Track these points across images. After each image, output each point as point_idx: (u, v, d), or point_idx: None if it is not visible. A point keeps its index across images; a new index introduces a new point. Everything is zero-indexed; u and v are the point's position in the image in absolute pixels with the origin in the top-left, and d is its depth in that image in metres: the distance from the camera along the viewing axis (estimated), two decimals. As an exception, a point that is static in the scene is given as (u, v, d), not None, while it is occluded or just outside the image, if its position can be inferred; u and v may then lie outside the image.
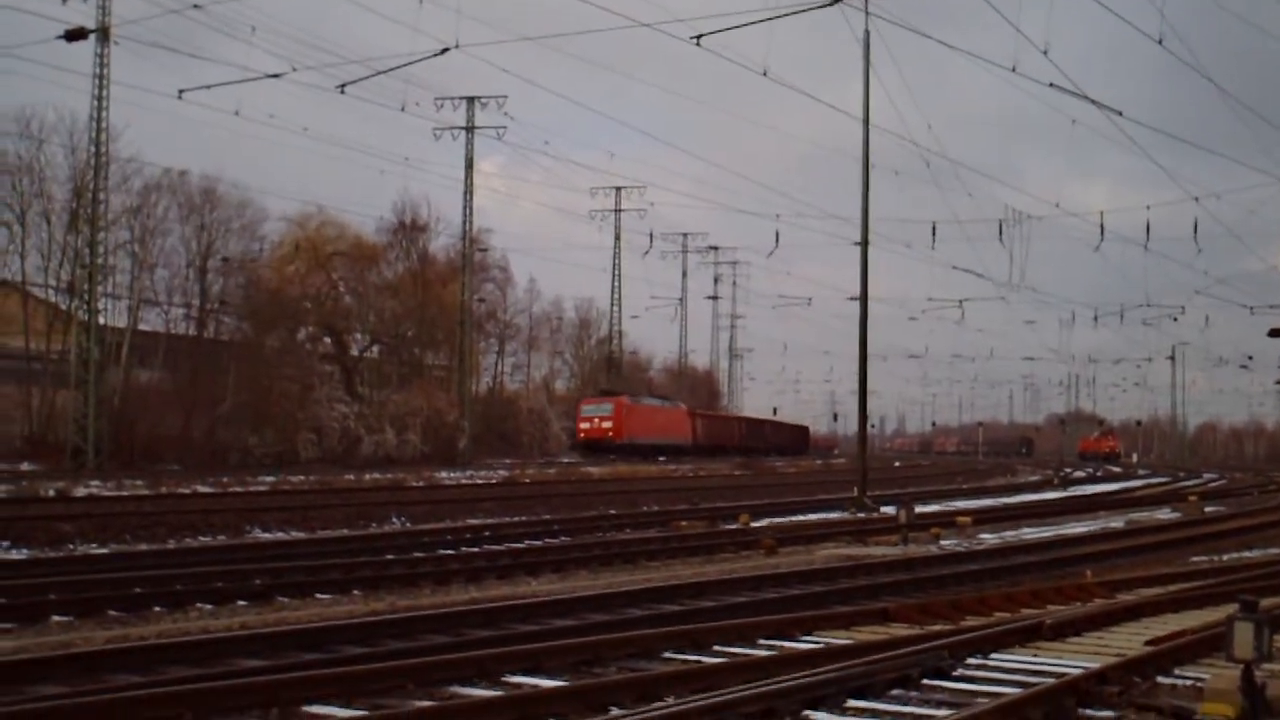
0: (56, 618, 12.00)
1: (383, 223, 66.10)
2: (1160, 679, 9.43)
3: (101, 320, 45.47)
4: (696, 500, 32.66)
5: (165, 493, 29.38)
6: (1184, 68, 29.05)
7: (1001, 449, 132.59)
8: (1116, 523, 28.06)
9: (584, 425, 68.85)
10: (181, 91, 35.06)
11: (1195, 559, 20.26)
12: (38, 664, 9.12)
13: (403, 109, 41.84)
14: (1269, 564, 17.97)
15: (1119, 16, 24.80)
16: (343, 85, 32.71)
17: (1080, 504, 35.23)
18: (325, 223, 62.45)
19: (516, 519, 25.20)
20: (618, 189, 75.90)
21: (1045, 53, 24.66)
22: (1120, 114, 27.76)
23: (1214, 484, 54.01)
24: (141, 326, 53.08)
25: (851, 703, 8.56)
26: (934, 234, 38.52)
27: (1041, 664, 9.96)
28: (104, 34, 41.69)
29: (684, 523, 24.50)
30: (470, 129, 59.83)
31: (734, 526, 24.26)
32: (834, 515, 28.86)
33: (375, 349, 66.39)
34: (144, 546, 18.81)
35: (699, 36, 24.12)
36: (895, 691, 8.94)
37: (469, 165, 61.04)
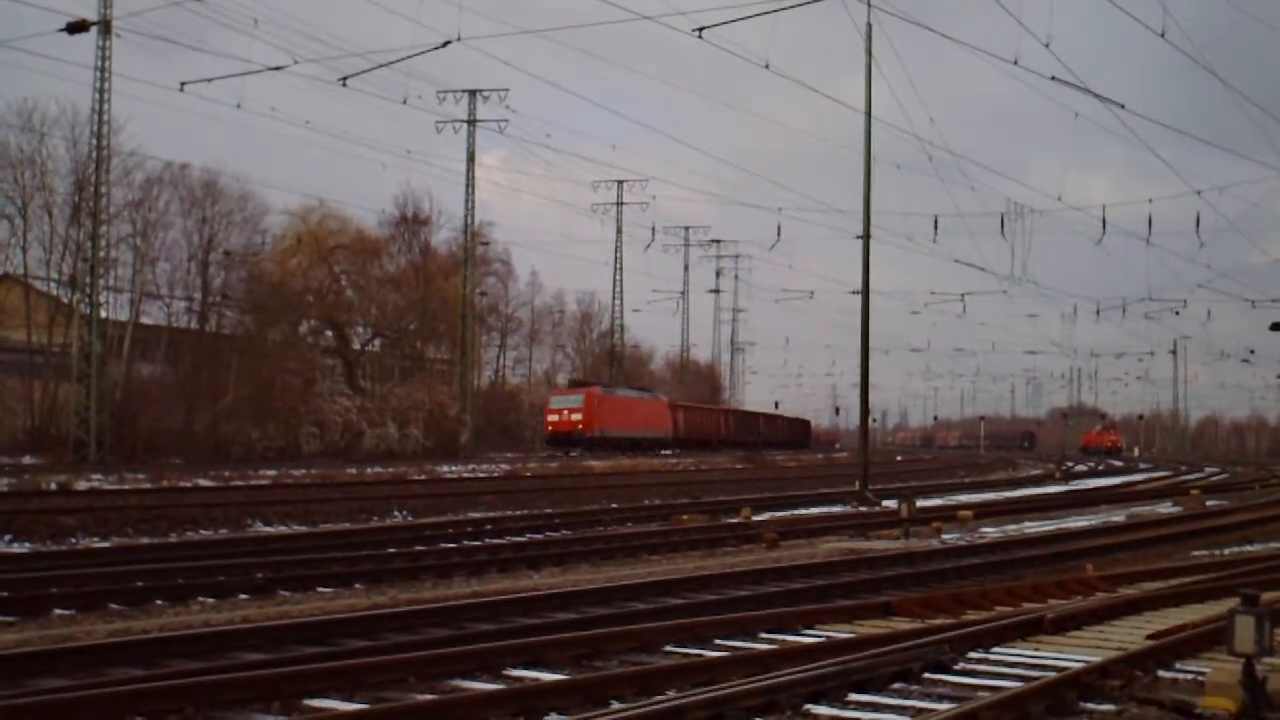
0: (58, 611, 12.02)
1: (384, 216, 66.17)
2: (1161, 673, 9.44)
3: (103, 314, 45.42)
4: (698, 494, 32.66)
5: (167, 486, 29.39)
6: (1186, 61, 29.15)
7: (1003, 443, 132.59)
8: (1118, 517, 28.06)
9: (551, 418, 65.53)
10: (183, 84, 35.07)
11: (1196, 553, 20.27)
12: (39, 657, 9.13)
13: (404, 102, 41.63)
14: (1270, 558, 17.98)
15: (1121, 9, 24.79)
16: (344, 78, 32.75)
17: (1082, 498, 35.25)
18: (327, 216, 62.55)
19: (518, 513, 25.21)
20: (619, 182, 75.89)
21: (1047, 45, 24.66)
22: (1123, 107, 27.77)
23: (1215, 478, 53.99)
24: (143, 320, 53.08)
25: (853, 696, 8.57)
26: (936, 227, 38.50)
27: (1043, 658, 9.97)
28: (106, 27, 41.64)
29: (685, 517, 24.50)
30: (472, 122, 59.84)
31: (736, 520, 24.25)
32: (836, 509, 28.87)
33: (377, 342, 66.42)
34: (146, 540, 18.83)
35: (701, 29, 24.09)
36: (897, 685, 8.95)
37: (470, 158, 61.09)
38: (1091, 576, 15.23)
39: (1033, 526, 24.86)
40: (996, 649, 10.30)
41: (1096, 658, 9.61)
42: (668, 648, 10.39)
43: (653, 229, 71.56)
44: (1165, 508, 31.40)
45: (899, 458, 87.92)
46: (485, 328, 75.14)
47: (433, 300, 65.64)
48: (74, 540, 18.49)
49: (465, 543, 19.09)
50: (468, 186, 61.53)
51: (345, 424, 54.78)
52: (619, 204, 76.85)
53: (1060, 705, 8.24)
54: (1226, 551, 20.53)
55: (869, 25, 30.83)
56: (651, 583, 14.09)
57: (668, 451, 71.04)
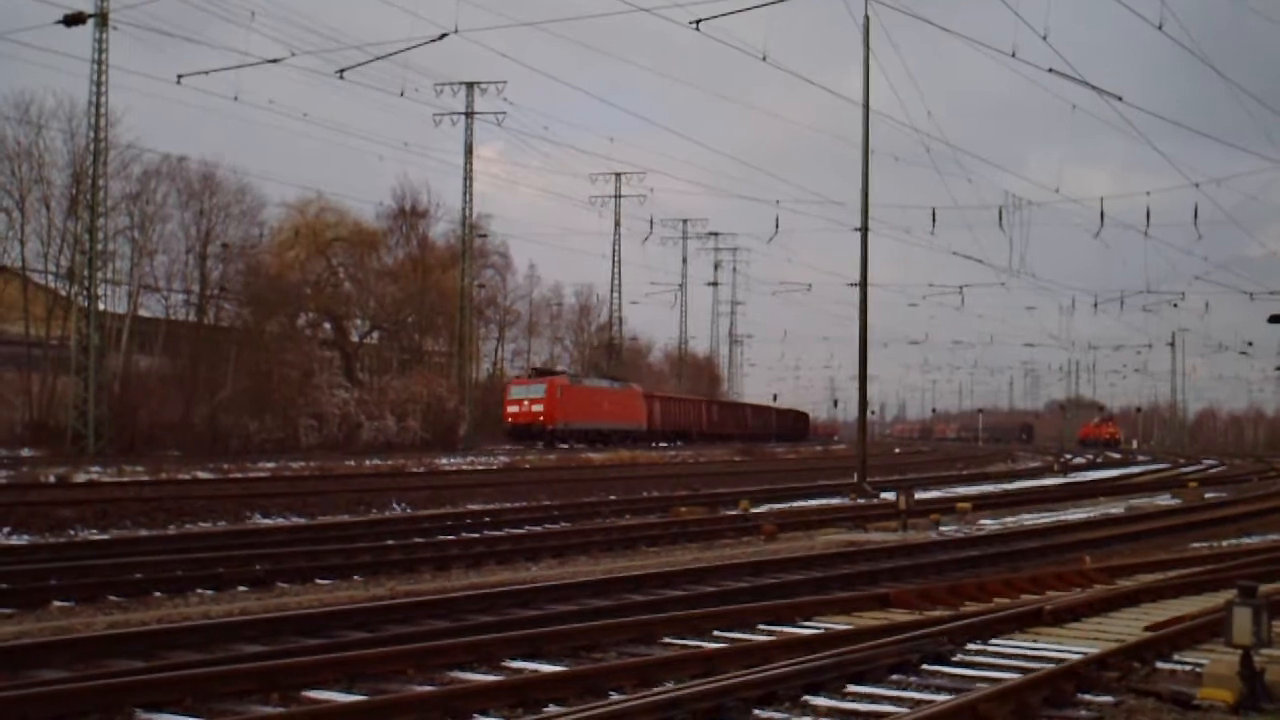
0: (57, 603, 12.03)
1: (382, 208, 66.17)
2: (1159, 664, 9.45)
3: (101, 306, 45.48)
4: (697, 486, 32.69)
5: (165, 479, 29.40)
6: (1184, 53, 29.07)
7: (1002, 435, 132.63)
8: (1116, 509, 28.09)
9: (511, 409, 61.84)
10: (180, 77, 35.07)
11: (1194, 545, 20.28)
12: (38, 649, 9.13)
13: (402, 94, 41.76)
14: (1268, 550, 17.99)
15: (1119, 1, 24.74)
16: (342, 70, 32.75)
17: (1080, 490, 35.26)
18: (325, 208, 62.51)
19: (517, 505, 25.21)
20: (617, 175, 75.94)
21: (1045, 38, 24.65)
22: (1120, 99, 27.73)
23: (1213, 470, 54.05)
24: (141, 312, 53.09)
25: (851, 688, 8.58)
26: (934, 220, 38.49)
27: (1041, 649, 9.97)
28: (102, 19, 41.61)
29: (684, 509, 24.51)
30: (470, 114, 59.82)
31: (734, 512, 24.28)
32: (834, 501, 28.89)
33: (375, 335, 66.40)
34: (144, 532, 18.84)
35: (698, 21, 24.08)
36: (895, 676, 8.96)
37: (468, 151, 61.07)
38: (1089, 568, 15.24)
39: (1031, 518, 24.88)
40: (995, 640, 10.31)
41: (1095, 649, 9.62)
42: (666, 639, 10.40)
43: (651, 221, 71.73)
44: (1163, 500, 31.42)
45: (897, 450, 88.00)
46: (483, 320, 75.12)
47: (431, 293, 65.61)
48: (72, 532, 18.50)
49: (464, 535, 19.10)
50: (465, 179, 61.58)
51: (343, 416, 54.75)
52: (617, 196, 76.97)
53: (1058, 697, 8.24)
54: (1224, 544, 20.54)
55: (866, 18, 30.82)
56: (650, 574, 14.10)
57: (655, 444, 69.17)
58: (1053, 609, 11.38)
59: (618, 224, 78.26)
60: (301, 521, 21.08)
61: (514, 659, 9.37)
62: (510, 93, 57.40)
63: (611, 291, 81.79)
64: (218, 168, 54.96)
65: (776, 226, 51.17)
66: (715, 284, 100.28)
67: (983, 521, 23.87)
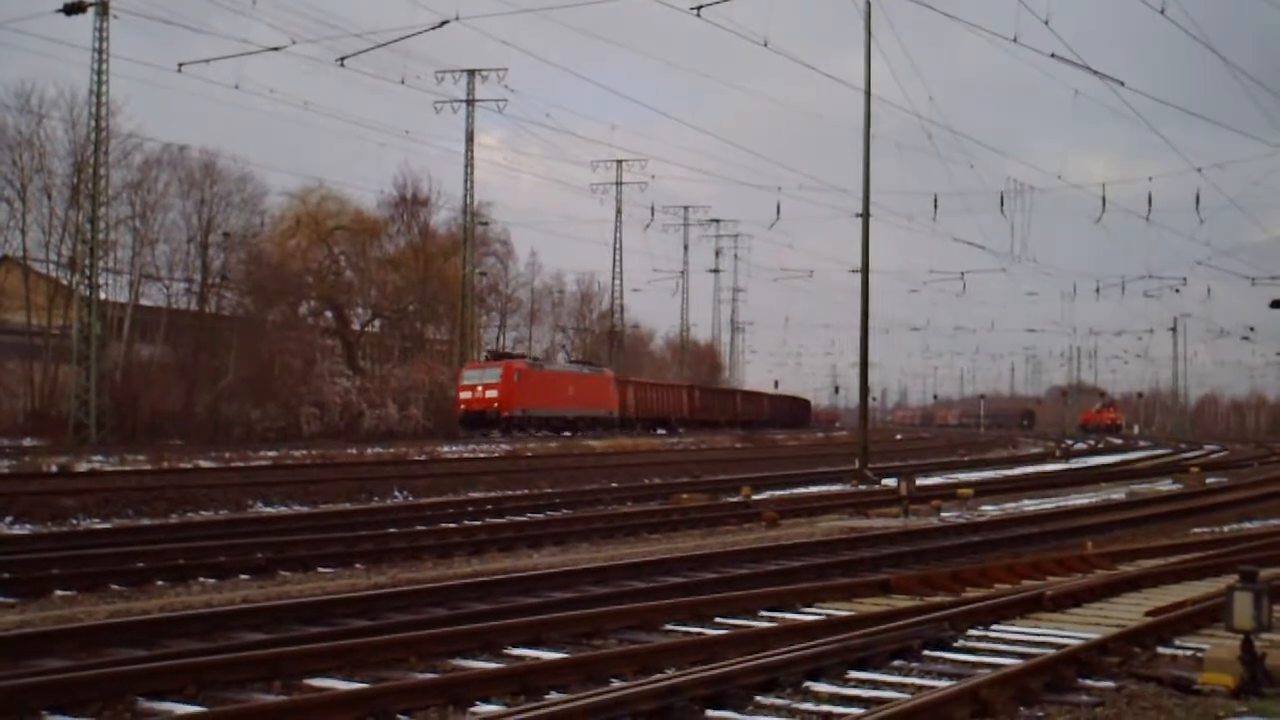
0: (59, 592, 12.05)
1: (384, 197, 66.13)
2: (1160, 649, 9.46)
3: (103, 295, 45.44)
4: (698, 473, 32.71)
5: (167, 467, 29.41)
6: (1187, 38, 28.99)
7: (1003, 421, 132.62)
8: (1117, 494, 28.10)
9: (464, 395, 57.10)
10: (181, 65, 35.04)
11: (1196, 530, 20.29)
12: (41, 638, 9.15)
13: (403, 82, 41.62)
14: (1269, 535, 18.00)
15: (1121, -14, 24.67)
16: (343, 58, 32.79)
17: (1081, 476, 35.28)
18: (326, 197, 62.54)
19: (518, 492, 25.24)
20: (619, 162, 75.84)
21: (1047, 23, 24.61)
22: (1122, 84, 27.73)
23: (1215, 456, 54.05)
24: (143, 302, 53.08)
25: (853, 674, 8.59)
26: (935, 206, 38.48)
27: (1042, 635, 9.98)
28: (103, 8, 41.50)
29: (685, 496, 24.53)
30: (470, 102, 59.74)
31: (735, 499, 24.30)
32: (835, 488, 28.92)
33: (377, 323, 66.39)
34: (146, 521, 18.86)
35: (699, 7, 24.03)
36: (896, 662, 8.97)
37: (469, 138, 61.00)
38: (1091, 554, 15.26)
39: (1032, 504, 24.89)
40: (996, 626, 10.32)
41: (1096, 635, 9.62)
42: (668, 626, 10.41)
43: (652, 209, 71.62)
44: (1164, 485, 31.43)
45: (899, 436, 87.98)
46: (485, 308, 75.10)
47: (432, 281, 65.57)
48: (75, 521, 18.52)
49: (466, 522, 19.10)
50: (467, 166, 61.50)
51: (345, 405, 54.76)
52: (618, 184, 76.87)
53: (1060, 682, 8.25)
54: (1226, 529, 20.56)
55: (868, 3, 30.75)
56: (651, 561, 14.11)
57: (610, 432, 63.21)
58: (1054, 594, 11.39)
59: (619, 211, 78.23)
60: (303, 510, 21.12)
61: (516, 646, 9.38)
62: (511, 80, 57.53)
63: (613, 279, 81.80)
64: (219, 156, 54.98)
65: (778, 213, 51.18)
66: (717, 271, 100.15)
67: (984, 507, 23.88)
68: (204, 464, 30.98)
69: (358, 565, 14.49)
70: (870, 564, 14.74)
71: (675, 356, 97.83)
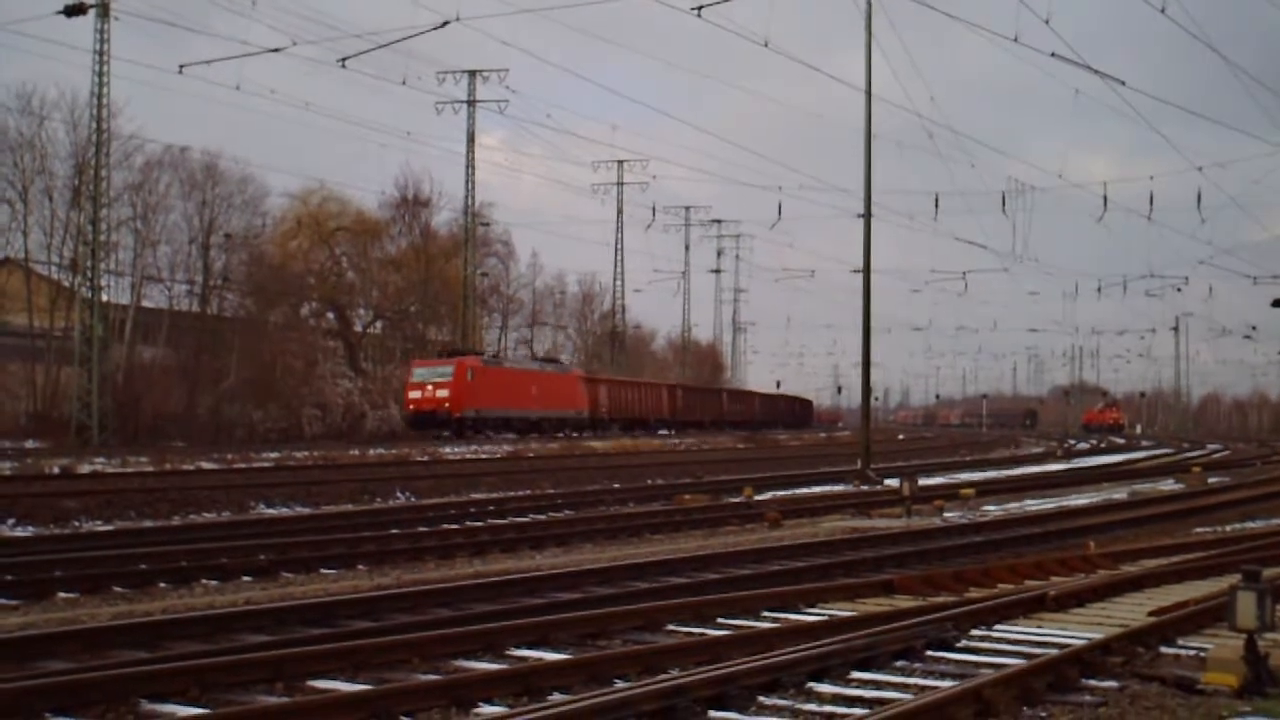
0: (62, 594, 12.05)
1: (385, 198, 66.11)
2: (1163, 649, 9.46)
3: (105, 297, 45.46)
4: (700, 474, 32.70)
5: (169, 469, 29.42)
6: (1188, 37, 28.96)
7: (1005, 421, 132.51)
8: (1120, 494, 28.08)
9: (413, 394, 53.50)
10: (182, 67, 35.03)
11: (1198, 530, 20.28)
12: (44, 640, 9.15)
13: (404, 83, 41.66)
14: (1272, 534, 17.99)
15: (1122, -15, 24.66)
16: (344, 59, 32.74)
17: (1083, 476, 35.26)
18: (327, 198, 62.52)
19: (521, 493, 25.25)
20: (620, 162, 75.90)
21: (1047, 22, 24.58)
22: (1123, 84, 27.70)
23: (1217, 455, 54.02)
24: (145, 303, 53.06)
25: (856, 674, 8.59)
26: (937, 206, 38.45)
27: (1045, 635, 9.98)
28: (104, 9, 41.54)
29: (688, 496, 24.53)
30: (472, 103, 59.77)
31: (738, 500, 24.29)
32: (838, 488, 28.91)
33: (378, 324, 66.38)
34: (149, 523, 18.86)
35: (700, 8, 24.03)
36: (899, 663, 8.97)
37: (471, 139, 61.02)
38: (1093, 554, 15.25)
39: (1034, 504, 24.88)
40: (999, 626, 10.32)
41: (1099, 634, 9.62)
42: (671, 627, 10.41)
43: (653, 209, 71.55)
44: (1167, 485, 31.42)
45: (901, 436, 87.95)
46: (486, 309, 75.12)
47: (434, 282, 65.57)
48: (77, 523, 18.52)
49: (468, 523, 19.10)
50: (468, 167, 61.52)
51: (347, 406, 54.78)
52: (619, 184, 76.94)
53: (1063, 682, 8.25)
54: (1228, 528, 20.54)
55: (868, 3, 30.74)
56: (654, 562, 14.11)
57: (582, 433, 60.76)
58: (1057, 594, 11.39)
59: (620, 212, 78.30)
60: (306, 511, 21.12)
61: (519, 647, 9.38)
62: (512, 80, 57.55)
63: (614, 279, 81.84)
64: (220, 158, 54.97)
65: (779, 213, 51.22)
66: (718, 271, 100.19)
67: (986, 507, 23.88)
68: (206, 466, 30.98)
69: (360, 566, 14.49)
70: (873, 564, 14.73)
71: (677, 357, 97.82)
